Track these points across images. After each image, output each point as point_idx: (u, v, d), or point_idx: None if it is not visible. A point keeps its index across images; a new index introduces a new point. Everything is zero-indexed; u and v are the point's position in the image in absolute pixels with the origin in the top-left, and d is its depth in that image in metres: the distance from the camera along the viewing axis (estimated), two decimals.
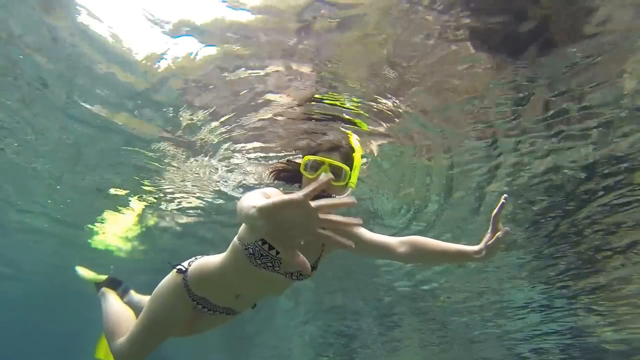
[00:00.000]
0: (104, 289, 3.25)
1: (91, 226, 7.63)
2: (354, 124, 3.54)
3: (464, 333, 10.57)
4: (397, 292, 8.45)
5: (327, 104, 3.36)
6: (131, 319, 2.84)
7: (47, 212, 7.28)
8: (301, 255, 1.11)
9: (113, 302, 3.07)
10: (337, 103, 3.34)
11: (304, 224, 1.06)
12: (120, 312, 2.96)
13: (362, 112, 3.39)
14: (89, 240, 8.35)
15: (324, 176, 1.94)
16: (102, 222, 7.29)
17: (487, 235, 1.95)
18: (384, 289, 8.47)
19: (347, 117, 3.46)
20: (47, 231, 8.21)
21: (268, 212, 1.07)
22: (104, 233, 7.80)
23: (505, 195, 1.94)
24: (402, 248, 2.16)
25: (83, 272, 3.78)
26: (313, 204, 1.03)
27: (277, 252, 2.00)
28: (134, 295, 3.54)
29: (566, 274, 6.25)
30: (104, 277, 3.58)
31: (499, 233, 1.90)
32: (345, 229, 1.11)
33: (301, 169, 2.06)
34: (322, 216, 1.04)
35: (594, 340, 9.30)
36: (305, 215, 1.04)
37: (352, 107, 3.37)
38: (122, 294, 3.64)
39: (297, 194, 1.03)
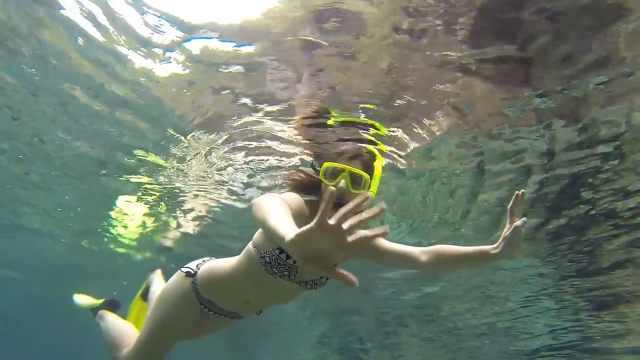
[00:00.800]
0: (101, 312, 3.12)
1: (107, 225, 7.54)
2: (373, 126, 3.50)
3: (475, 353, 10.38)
4: (407, 312, 8.31)
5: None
6: (134, 333, 2.74)
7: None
8: (344, 272, 1.05)
9: (113, 319, 2.97)
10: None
11: (333, 244, 1.02)
12: (122, 326, 2.87)
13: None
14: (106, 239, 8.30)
15: (343, 183, 1.86)
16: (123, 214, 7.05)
17: (505, 228, 1.89)
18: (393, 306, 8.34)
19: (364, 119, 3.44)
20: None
21: (297, 246, 1.07)
22: (124, 226, 7.57)
23: (522, 190, 1.87)
24: (425, 257, 2.13)
25: (81, 299, 3.68)
26: (337, 219, 0.99)
27: (295, 261, 1.94)
28: (158, 274, 3.35)
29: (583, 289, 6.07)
30: (100, 301, 3.46)
31: (516, 222, 1.84)
32: (371, 240, 1.06)
33: (320, 176, 2.02)
34: (346, 226, 0.99)
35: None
36: (330, 236, 1.01)
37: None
38: (151, 271, 3.50)
39: (314, 222, 1.00)
